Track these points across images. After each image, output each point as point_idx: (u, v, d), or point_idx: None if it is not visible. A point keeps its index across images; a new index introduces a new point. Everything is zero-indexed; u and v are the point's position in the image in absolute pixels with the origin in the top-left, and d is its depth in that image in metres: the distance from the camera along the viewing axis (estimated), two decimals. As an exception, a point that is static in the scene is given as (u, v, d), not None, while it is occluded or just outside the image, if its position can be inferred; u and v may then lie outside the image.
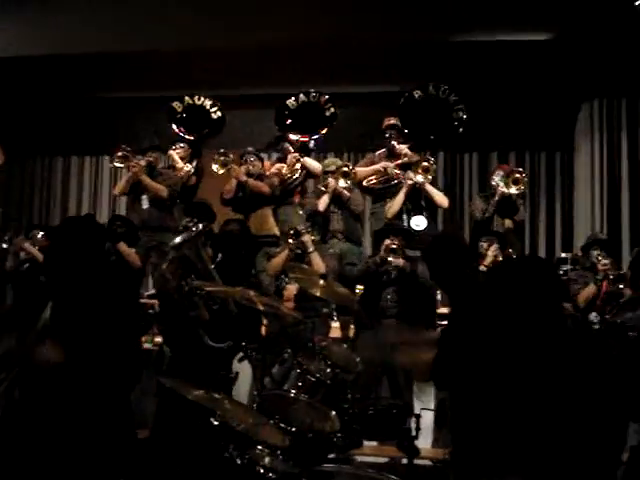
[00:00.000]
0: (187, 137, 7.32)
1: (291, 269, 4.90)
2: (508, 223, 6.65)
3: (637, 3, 5.78)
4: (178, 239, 4.23)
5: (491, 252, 5.96)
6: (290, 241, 5.81)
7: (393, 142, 6.88)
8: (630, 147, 8.21)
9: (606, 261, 5.91)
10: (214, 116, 7.37)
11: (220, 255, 4.74)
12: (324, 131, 7.07)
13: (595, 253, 6.07)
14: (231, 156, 6.97)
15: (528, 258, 3.47)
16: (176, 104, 7.35)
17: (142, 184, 6.99)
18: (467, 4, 7.16)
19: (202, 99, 7.36)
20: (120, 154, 7.05)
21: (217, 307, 4.14)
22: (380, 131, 7.08)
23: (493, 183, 6.78)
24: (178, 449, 4.04)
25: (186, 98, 7.36)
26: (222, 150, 7.00)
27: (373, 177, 6.90)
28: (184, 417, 3.55)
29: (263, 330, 5.01)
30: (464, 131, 6.75)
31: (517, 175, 6.58)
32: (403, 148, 6.82)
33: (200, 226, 4.41)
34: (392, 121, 6.95)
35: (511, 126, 8.83)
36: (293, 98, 7.13)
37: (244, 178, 6.81)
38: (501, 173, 6.79)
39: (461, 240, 5.08)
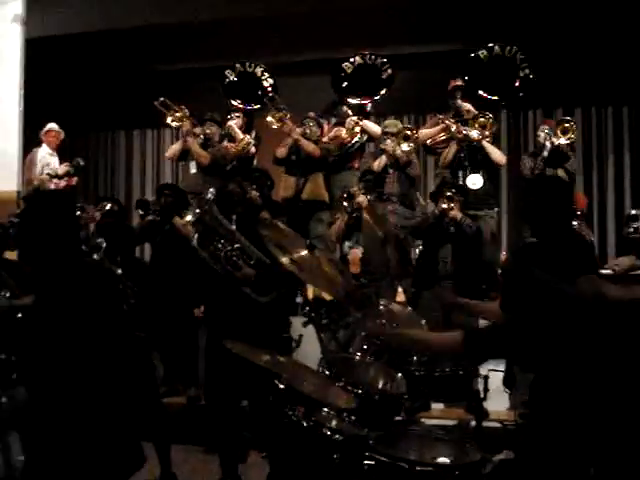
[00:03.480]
0: (249, 108, 7.30)
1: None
2: (561, 173, 6.46)
3: None
4: (193, 213, 4.19)
5: None
6: (345, 204, 5.75)
7: (458, 100, 6.78)
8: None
9: None
10: (265, 84, 7.30)
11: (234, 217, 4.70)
12: (382, 93, 6.97)
13: None
14: (288, 114, 6.97)
15: None
16: (228, 72, 7.31)
17: (190, 150, 7.10)
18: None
19: (253, 66, 7.29)
20: (179, 114, 7.14)
21: (254, 262, 4.17)
22: (441, 92, 6.95)
23: (540, 139, 6.66)
24: (237, 411, 4.10)
25: (237, 66, 7.31)
26: (280, 105, 6.97)
27: (437, 136, 6.82)
28: (246, 379, 3.58)
29: (327, 295, 5.00)
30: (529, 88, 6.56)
31: (566, 125, 6.47)
32: (466, 105, 6.70)
33: (211, 191, 4.39)
34: (458, 82, 6.85)
35: (576, 81, 8.54)
36: (349, 61, 7.05)
37: (297, 136, 6.87)
38: (546, 128, 6.70)
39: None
